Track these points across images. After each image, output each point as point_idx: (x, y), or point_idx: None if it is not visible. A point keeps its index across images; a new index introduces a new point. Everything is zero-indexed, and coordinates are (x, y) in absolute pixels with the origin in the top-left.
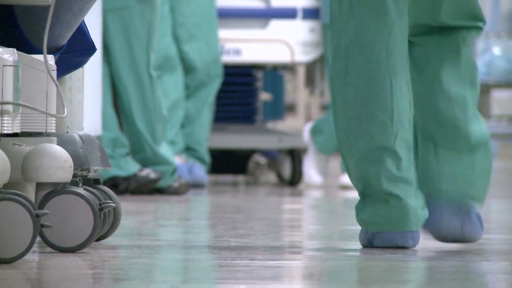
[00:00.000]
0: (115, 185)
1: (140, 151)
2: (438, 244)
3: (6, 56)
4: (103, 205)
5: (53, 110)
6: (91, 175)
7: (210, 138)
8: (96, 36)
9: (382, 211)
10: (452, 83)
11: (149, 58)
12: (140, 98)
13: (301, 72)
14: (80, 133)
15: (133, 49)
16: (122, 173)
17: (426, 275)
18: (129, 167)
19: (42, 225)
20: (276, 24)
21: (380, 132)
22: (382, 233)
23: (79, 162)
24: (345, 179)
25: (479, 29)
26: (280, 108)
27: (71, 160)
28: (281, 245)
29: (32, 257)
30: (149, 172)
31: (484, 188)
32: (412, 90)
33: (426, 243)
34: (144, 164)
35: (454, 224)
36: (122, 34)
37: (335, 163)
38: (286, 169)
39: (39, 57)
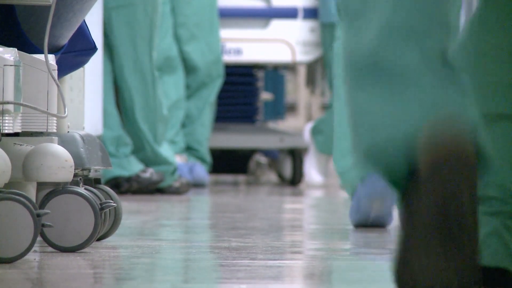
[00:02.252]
0: (117, 186)
1: (141, 150)
2: None
3: (7, 56)
4: (104, 205)
5: (54, 110)
6: (92, 174)
7: (211, 137)
8: (97, 35)
9: None
10: None
11: (152, 56)
12: (143, 97)
13: (302, 72)
14: (81, 132)
15: (137, 47)
16: (124, 173)
17: None
18: (132, 167)
19: (43, 225)
20: (277, 24)
21: None
22: None
23: (80, 161)
24: None
25: None
26: (281, 108)
27: (72, 159)
28: (282, 244)
29: (33, 256)
30: (151, 174)
31: None
32: None
33: None
34: (145, 163)
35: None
36: (127, 31)
37: None
38: (287, 169)
39: (40, 56)
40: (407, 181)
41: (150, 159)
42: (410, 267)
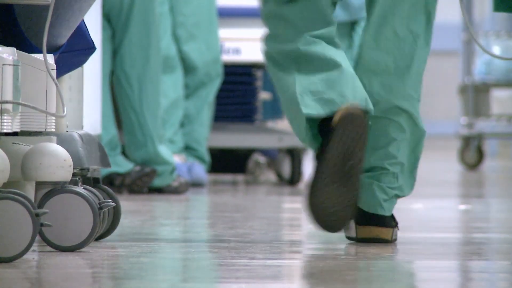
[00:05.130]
0: (111, 181)
1: (143, 147)
2: (438, 244)
3: (5, 55)
4: (102, 204)
5: (52, 109)
6: (90, 174)
7: (209, 137)
8: (96, 35)
9: None
10: None
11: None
12: (152, 93)
13: None
14: (80, 132)
15: (151, 40)
16: (120, 169)
17: (425, 275)
18: (126, 164)
19: (41, 224)
20: None
21: None
22: None
23: (79, 161)
24: None
25: None
26: (279, 107)
27: (70, 159)
28: (280, 244)
29: (32, 256)
30: (143, 167)
31: None
32: None
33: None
34: (144, 161)
35: None
36: (144, 22)
37: None
38: (286, 168)
39: (39, 56)
40: (323, 135)
41: (151, 157)
42: (316, 196)
